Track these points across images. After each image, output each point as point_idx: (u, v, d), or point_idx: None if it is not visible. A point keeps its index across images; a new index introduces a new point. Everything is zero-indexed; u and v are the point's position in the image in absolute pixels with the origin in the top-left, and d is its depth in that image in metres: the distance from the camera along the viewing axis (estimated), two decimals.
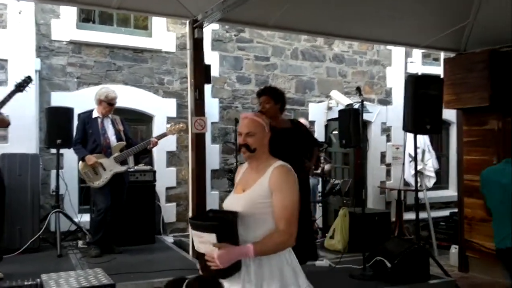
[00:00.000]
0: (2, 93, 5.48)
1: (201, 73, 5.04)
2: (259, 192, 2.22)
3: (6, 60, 5.68)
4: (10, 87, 5.55)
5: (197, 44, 5.06)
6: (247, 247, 2.10)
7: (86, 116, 5.19)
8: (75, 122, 5.46)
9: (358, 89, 4.47)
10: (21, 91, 4.29)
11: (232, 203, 2.31)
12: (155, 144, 5.20)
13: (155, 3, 4.96)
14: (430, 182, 7.39)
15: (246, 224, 2.20)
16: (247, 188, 2.29)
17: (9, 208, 5.10)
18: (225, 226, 2.14)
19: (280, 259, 2.19)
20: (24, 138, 5.59)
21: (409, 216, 7.13)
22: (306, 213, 4.12)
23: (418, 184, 7.18)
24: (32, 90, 5.65)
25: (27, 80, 4.27)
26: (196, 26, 5.01)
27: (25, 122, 5.56)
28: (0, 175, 4.28)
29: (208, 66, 5.21)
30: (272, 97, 4.19)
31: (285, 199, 2.17)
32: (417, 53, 8.24)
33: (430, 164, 7.29)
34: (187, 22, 5.14)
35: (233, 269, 2.12)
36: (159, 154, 6.45)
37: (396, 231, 6.85)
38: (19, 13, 5.70)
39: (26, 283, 3.44)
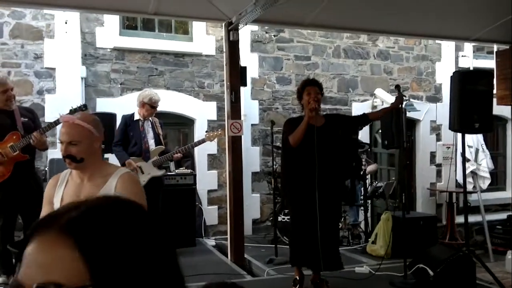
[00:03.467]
0: (51, 100, 5.85)
1: (237, 75, 5.01)
2: None
3: (54, 69, 5.91)
4: (59, 94, 5.85)
5: (233, 47, 5.04)
6: None
7: (128, 118, 5.27)
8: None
9: (398, 87, 4.25)
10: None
11: None
12: (178, 158, 5.39)
13: (190, 8, 4.99)
14: (485, 183, 6.97)
15: None
16: None
17: None
18: None
19: None
20: None
21: (462, 219, 6.72)
22: (334, 219, 3.92)
23: (472, 186, 6.86)
24: (78, 97, 5.91)
25: (83, 108, 4.38)
26: (231, 29, 4.99)
27: None
28: (39, 180, 4.42)
29: (244, 68, 5.17)
30: (320, 89, 3.91)
31: None
32: (469, 46, 7.80)
33: (484, 164, 6.87)
34: (223, 24, 5.13)
35: None
36: (200, 157, 6.49)
37: (448, 236, 6.50)
38: (66, 23, 5.92)
39: None
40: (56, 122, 4.23)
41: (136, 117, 5.24)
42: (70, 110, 4.38)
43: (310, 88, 3.84)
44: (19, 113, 4.17)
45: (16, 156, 3.99)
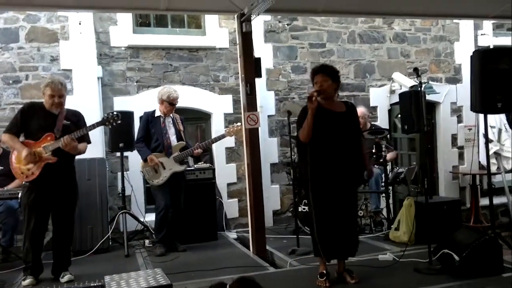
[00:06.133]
0: (69, 101, 5.75)
1: (251, 67, 4.97)
2: None
3: (70, 70, 5.96)
4: (77, 95, 5.90)
5: (246, 38, 4.99)
6: None
7: (149, 115, 5.29)
8: (136, 125, 5.61)
9: (416, 70, 4.16)
10: (107, 125, 4.26)
11: None
12: (198, 154, 5.30)
13: (201, 1, 4.97)
14: (509, 164, 6.83)
15: None
16: None
17: (80, 211, 5.41)
18: None
19: None
20: (91, 143, 5.84)
21: (487, 202, 6.59)
22: (355, 204, 3.83)
23: (495, 167, 6.73)
24: (96, 96, 5.97)
25: (115, 118, 4.21)
26: (244, 20, 4.95)
27: None
28: (75, 182, 4.45)
29: (258, 59, 5.13)
30: (329, 75, 3.76)
31: None
32: (488, 24, 7.60)
33: (507, 144, 6.75)
34: (235, 16, 5.10)
35: None
36: (218, 150, 6.50)
37: (472, 219, 6.40)
38: (79, 23, 5.96)
39: (91, 284, 3.60)
40: (95, 125, 4.21)
41: (157, 113, 5.26)
42: (103, 119, 4.29)
43: (317, 76, 3.76)
44: (63, 116, 4.18)
45: (47, 157, 4.05)
